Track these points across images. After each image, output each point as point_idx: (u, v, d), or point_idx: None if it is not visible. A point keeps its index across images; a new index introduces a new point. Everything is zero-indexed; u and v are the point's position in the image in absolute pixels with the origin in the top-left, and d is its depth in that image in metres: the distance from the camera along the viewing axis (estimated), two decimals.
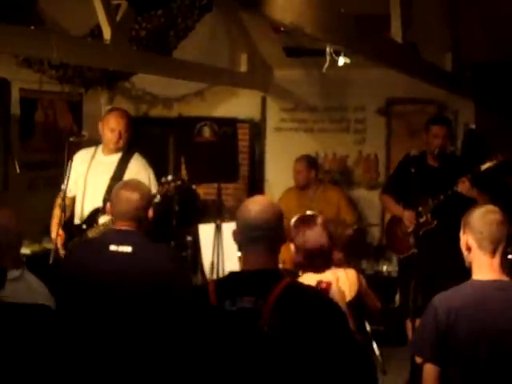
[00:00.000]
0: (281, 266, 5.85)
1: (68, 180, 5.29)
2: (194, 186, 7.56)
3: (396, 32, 4.90)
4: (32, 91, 6.98)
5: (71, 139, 5.09)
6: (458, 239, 3.21)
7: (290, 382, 2.51)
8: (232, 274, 2.77)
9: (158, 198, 5.08)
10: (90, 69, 6.84)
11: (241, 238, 2.71)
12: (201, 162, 7.24)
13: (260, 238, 2.65)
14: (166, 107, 8.21)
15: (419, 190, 5.32)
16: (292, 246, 3.76)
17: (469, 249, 3.12)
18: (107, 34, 4.96)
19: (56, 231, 5.14)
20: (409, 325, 5.55)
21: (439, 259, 5.37)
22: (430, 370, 3.06)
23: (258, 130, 8.06)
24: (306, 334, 2.52)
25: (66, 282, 3.57)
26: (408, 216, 5.61)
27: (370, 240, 7.51)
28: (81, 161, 5.24)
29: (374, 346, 6.10)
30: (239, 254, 6.10)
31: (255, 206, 2.72)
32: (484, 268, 3.09)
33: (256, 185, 8.12)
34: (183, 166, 7.97)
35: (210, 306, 2.57)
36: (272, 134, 8.01)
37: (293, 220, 3.86)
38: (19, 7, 5.74)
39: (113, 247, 3.49)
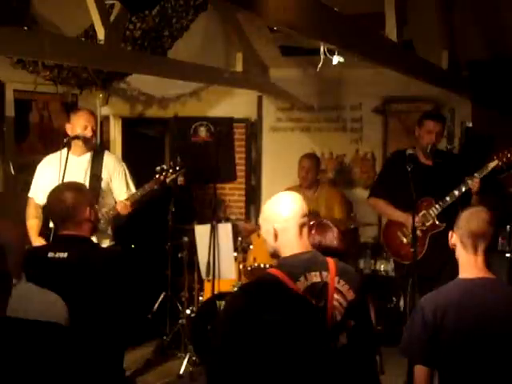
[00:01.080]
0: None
1: (36, 187, 5.30)
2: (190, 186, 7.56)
3: (391, 30, 4.87)
4: (26, 92, 6.96)
5: (65, 140, 5.06)
6: None
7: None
8: (290, 258, 3.00)
9: (137, 195, 5.14)
10: (84, 69, 6.81)
11: (286, 227, 2.98)
12: (197, 162, 7.22)
13: (305, 224, 3.03)
14: (162, 107, 8.19)
15: (416, 191, 5.12)
16: None
17: (453, 246, 3.15)
18: (101, 34, 4.93)
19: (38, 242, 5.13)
20: None
21: (446, 264, 5.03)
22: (420, 371, 3.09)
23: (254, 129, 8.04)
24: (362, 292, 3.02)
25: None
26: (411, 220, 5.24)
27: (367, 239, 7.49)
28: (50, 166, 5.23)
29: None
30: (235, 253, 6.10)
31: (295, 197, 3.06)
32: (468, 266, 3.12)
33: (253, 185, 8.10)
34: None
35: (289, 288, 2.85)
36: (268, 133, 7.99)
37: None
38: (12, 8, 5.71)
39: (50, 254, 3.40)
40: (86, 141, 5.15)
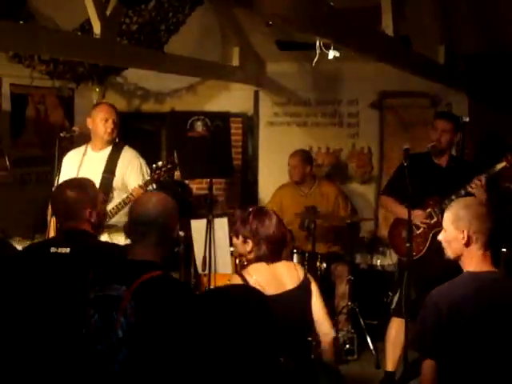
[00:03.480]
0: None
1: (58, 182, 5.28)
2: (186, 181, 7.55)
3: (387, 25, 4.86)
4: (23, 87, 6.95)
5: (62, 135, 5.05)
6: None
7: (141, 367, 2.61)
8: (111, 262, 2.91)
9: (154, 186, 5.10)
10: (80, 64, 6.80)
11: (131, 231, 2.87)
12: (194, 156, 7.19)
13: (147, 233, 2.82)
14: (158, 102, 8.18)
15: (425, 190, 5.10)
16: (244, 242, 3.63)
17: (466, 243, 3.10)
18: (97, 28, 4.92)
19: None
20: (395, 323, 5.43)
21: (447, 262, 5.11)
22: (429, 365, 3.06)
23: (250, 124, 8.03)
24: (158, 325, 2.59)
25: (6, 283, 3.43)
26: (419, 216, 5.27)
27: (364, 234, 7.49)
28: (71, 161, 5.20)
29: (368, 340, 6.09)
30: (232, 248, 6.10)
31: (148, 202, 2.89)
32: (478, 260, 3.11)
33: (249, 179, 8.09)
34: (176, 161, 7.93)
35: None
36: (265, 128, 7.98)
37: (239, 214, 3.79)
38: (9, 3, 5.71)
39: (53, 249, 3.38)
40: (83, 136, 5.14)
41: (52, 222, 5.22)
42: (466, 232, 3.10)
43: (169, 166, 5.14)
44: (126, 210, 5.06)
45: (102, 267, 2.91)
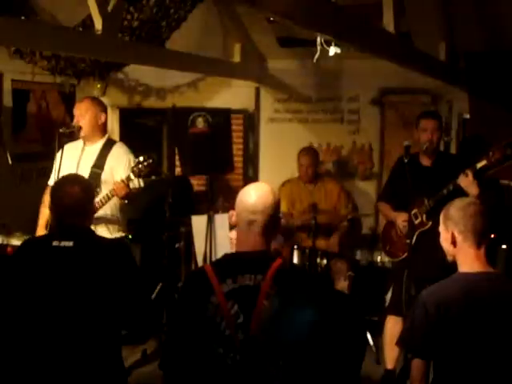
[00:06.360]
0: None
1: (57, 174, 5.29)
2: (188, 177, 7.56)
3: (388, 22, 4.87)
4: (24, 82, 6.96)
5: (61, 130, 5.06)
6: None
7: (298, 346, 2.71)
8: (229, 256, 2.94)
9: (141, 183, 5.14)
10: (82, 59, 6.81)
11: (238, 220, 2.89)
12: (195, 152, 7.20)
13: (257, 222, 2.83)
14: (160, 98, 8.19)
15: (414, 192, 5.08)
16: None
17: (453, 243, 3.10)
18: (99, 24, 4.93)
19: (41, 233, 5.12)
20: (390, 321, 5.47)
21: (434, 262, 5.08)
22: (418, 365, 3.05)
23: (251, 120, 8.03)
24: (301, 306, 2.73)
25: (10, 277, 3.47)
26: (401, 217, 5.35)
27: (364, 230, 7.50)
28: (68, 154, 5.20)
29: (368, 336, 6.10)
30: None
31: (256, 191, 2.89)
32: (470, 260, 3.09)
33: (250, 176, 8.10)
34: (177, 157, 7.95)
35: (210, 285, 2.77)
36: (266, 124, 7.99)
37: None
38: None
39: (55, 243, 3.40)
40: (79, 131, 5.16)
41: (45, 217, 5.25)
42: (452, 232, 3.10)
43: (150, 161, 5.12)
44: (112, 203, 5.14)
45: (220, 261, 2.97)
